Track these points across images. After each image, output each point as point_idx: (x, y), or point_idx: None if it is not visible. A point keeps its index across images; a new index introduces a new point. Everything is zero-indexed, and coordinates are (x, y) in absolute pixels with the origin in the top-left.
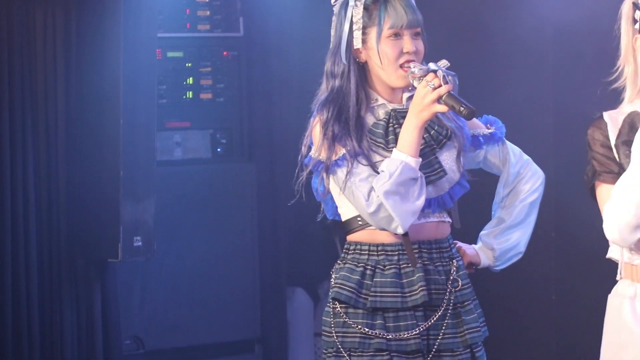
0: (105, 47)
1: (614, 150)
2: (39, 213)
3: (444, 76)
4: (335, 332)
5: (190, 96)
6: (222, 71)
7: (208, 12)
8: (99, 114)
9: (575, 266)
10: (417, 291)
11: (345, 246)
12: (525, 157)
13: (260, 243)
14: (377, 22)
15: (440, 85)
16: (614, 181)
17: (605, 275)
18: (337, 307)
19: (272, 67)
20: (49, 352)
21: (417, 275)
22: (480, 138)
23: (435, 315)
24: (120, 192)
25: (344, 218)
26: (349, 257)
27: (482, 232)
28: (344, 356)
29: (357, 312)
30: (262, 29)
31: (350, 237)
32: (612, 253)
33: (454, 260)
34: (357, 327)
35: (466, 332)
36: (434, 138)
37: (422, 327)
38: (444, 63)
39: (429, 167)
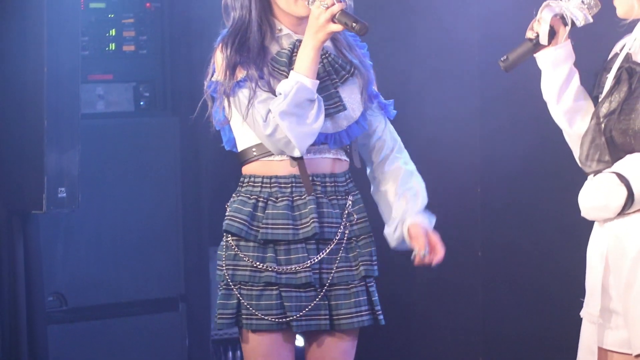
0: None
1: None
2: None
3: None
4: (226, 266)
5: (113, 48)
6: (144, 23)
7: None
8: (22, 63)
9: (501, 221)
10: (308, 223)
11: (240, 179)
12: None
13: (183, 199)
14: None
15: (333, 4)
16: None
17: (533, 230)
18: (229, 240)
19: (194, 19)
20: None
21: (310, 207)
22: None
23: (327, 249)
24: (44, 142)
25: (239, 148)
26: (242, 189)
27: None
28: (233, 290)
29: (249, 245)
30: None
31: (245, 169)
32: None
33: (350, 195)
34: (248, 260)
35: (361, 264)
36: (336, 72)
37: (313, 260)
38: None
39: (329, 99)
